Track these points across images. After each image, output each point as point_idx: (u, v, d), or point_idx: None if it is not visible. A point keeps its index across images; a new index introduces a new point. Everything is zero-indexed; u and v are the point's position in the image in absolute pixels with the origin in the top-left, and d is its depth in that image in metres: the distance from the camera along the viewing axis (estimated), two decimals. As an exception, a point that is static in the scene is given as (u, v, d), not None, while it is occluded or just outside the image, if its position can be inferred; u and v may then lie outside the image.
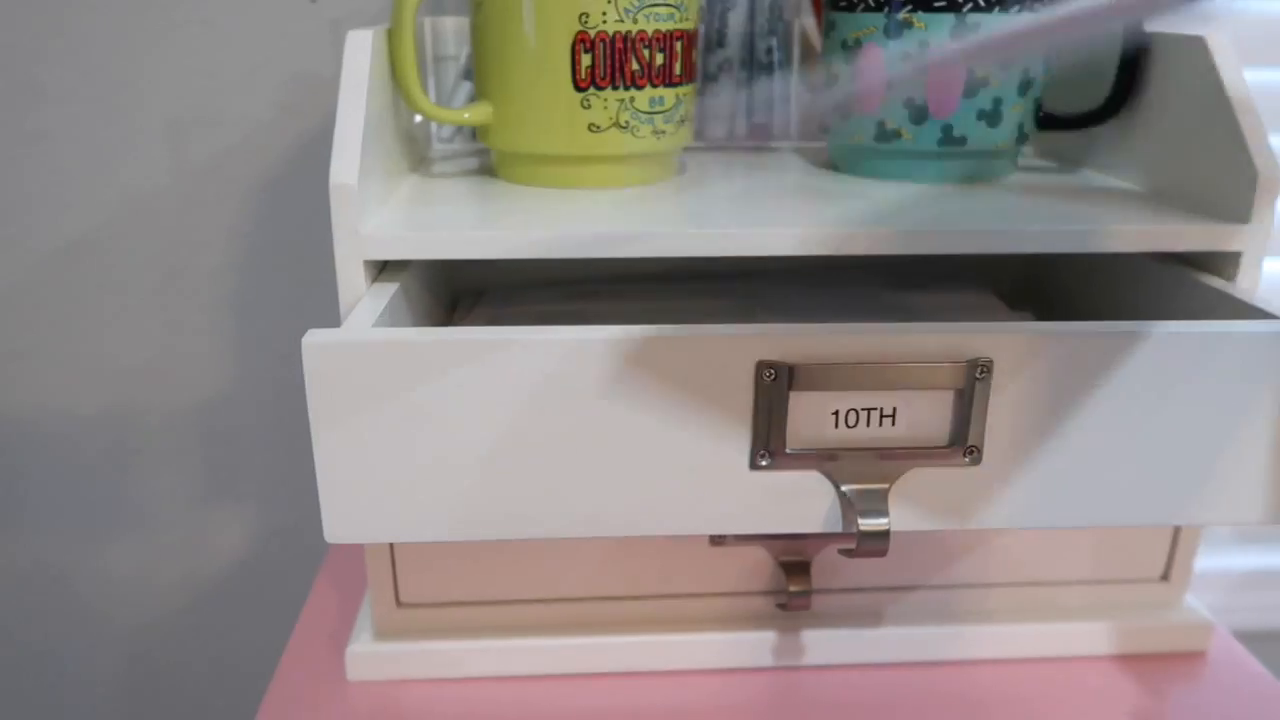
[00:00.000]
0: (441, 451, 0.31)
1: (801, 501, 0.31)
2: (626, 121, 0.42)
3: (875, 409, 0.30)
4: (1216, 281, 0.39)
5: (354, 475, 0.30)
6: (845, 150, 0.48)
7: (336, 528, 0.31)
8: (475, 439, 0.31)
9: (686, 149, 0.52)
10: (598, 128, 0.42)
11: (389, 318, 0.35)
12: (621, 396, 0.30)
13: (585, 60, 0.41)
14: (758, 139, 0.54)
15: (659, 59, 0.42)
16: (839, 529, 0.31)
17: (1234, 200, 0.39)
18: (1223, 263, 0.39)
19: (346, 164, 0.35)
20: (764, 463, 0.30)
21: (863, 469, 0.31)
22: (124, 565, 0.69)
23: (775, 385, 0.29)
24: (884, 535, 0.30)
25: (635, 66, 0.41)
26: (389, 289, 0.37)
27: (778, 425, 0.30)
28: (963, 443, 0.31)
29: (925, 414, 0.31)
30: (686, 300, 0.47)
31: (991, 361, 0.30)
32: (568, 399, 0.30)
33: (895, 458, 0.31)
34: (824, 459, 0.31)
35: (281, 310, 0.64)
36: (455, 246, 0.36)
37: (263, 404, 0.65)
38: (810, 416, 0.30)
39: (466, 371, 0.30)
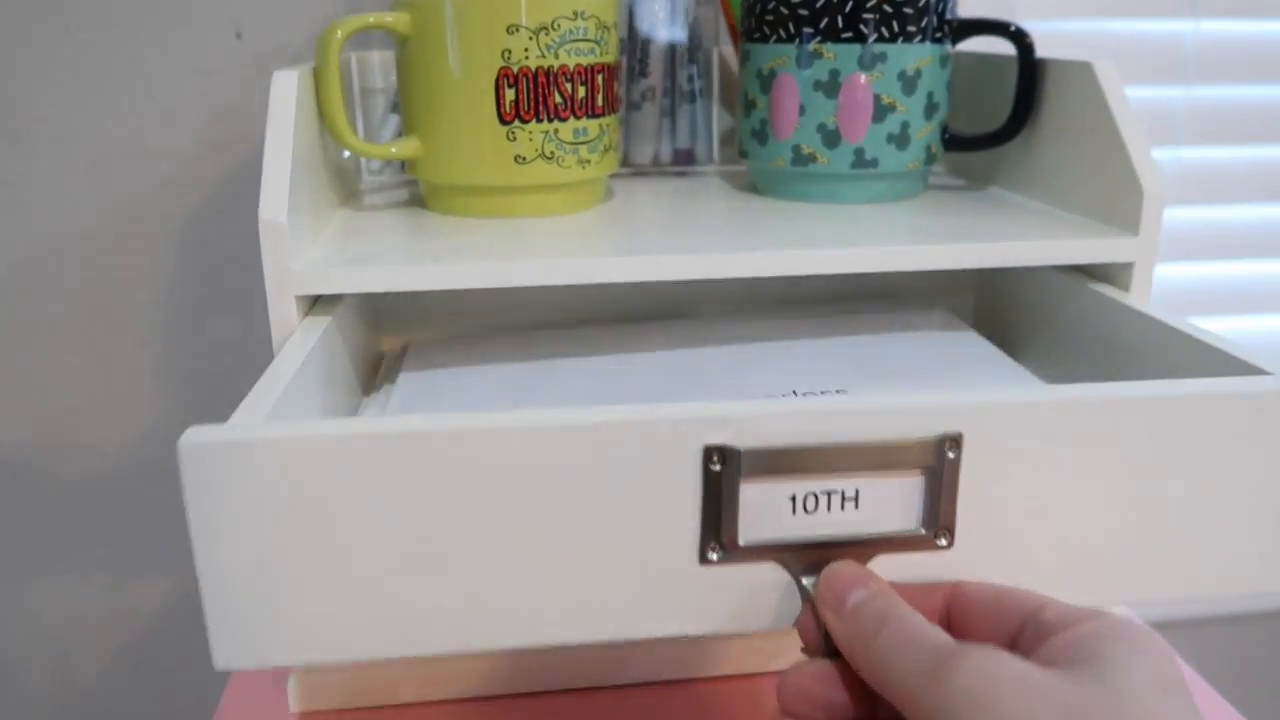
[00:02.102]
0: (348, 561, 0.26)
1: (757, 597, 0.28)
2: (552, 152, 0.43)
3: (836, 492, 0.27)
4: (1112, 291, 0.42)
5: (246, 592, 0.26)
6: (765, 174, 0.50)
7: (226, 652, 0.26)
8: (386, 544, 0.26)
9: (614, 175, 0.53)
10: (524, 159, 0.43)
11: (313, 368, 0.35)
12: (550, 488, 0.26)
13: (509, 95, 0.42)
14: (682, 164, 0.56)
15: (581, 92, 0.43)
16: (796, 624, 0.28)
17: (1124, 214, 0.41)
18: (1117, 272, 0.42)
19: (275, 201, 0.36)
20: (714, 556, 0.26)
21: (825, 558, 0.27)
22: (55, 604, 0.68)
23: (725, 473, 0.26)
24: None
25: (558, 99, 0.43)
26: (321, 323, 0.37)
27: (729, 515, 0.26)
28: (934, 525, 0.28)
29: (892, 495, 0.27)
30: (621, 330, 0.47)
31: (961, 436, 0.27)
32: (488, 494, 0.26)
33: (860, 544, 0.28)
34: (781, 550, 0.27)
35: (215, 346, 0.63)
36: (385, 279, 0.37)
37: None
38: (764, 503, 0.27)
39: (374, 468, 0.25)
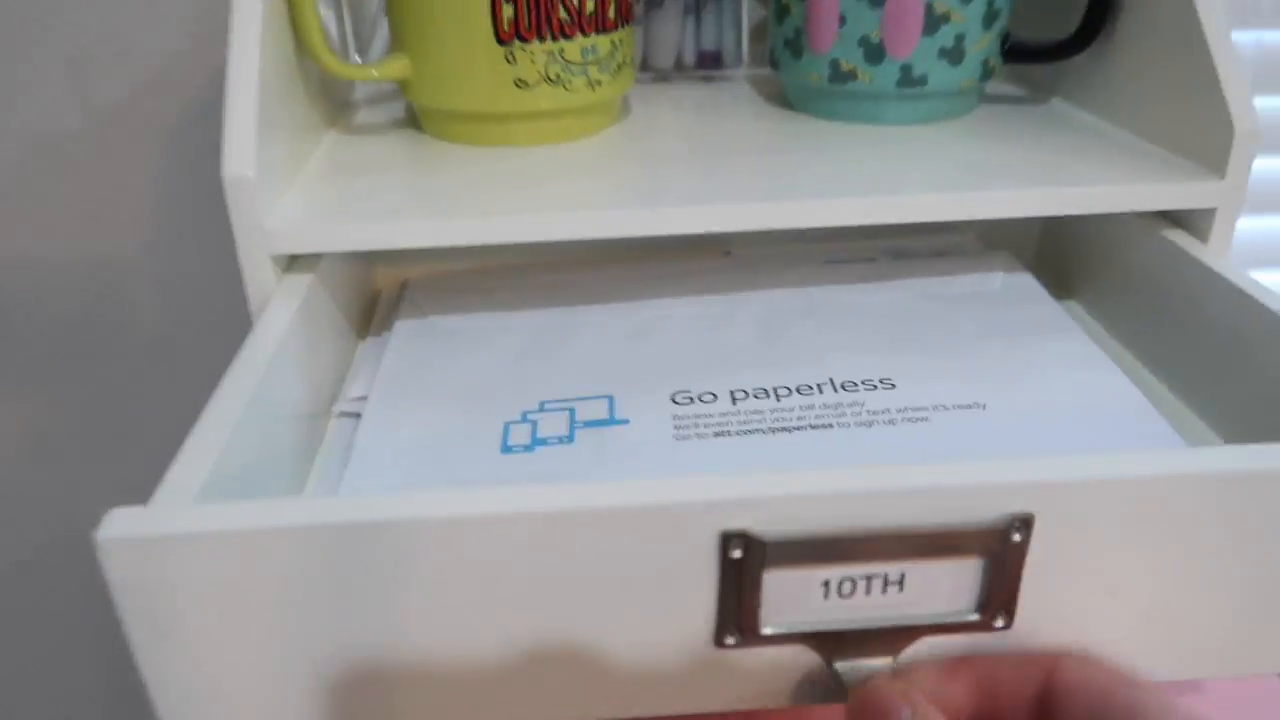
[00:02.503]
0: (307, 650, 0.22)
1: (781, 678, 0.24)
2: (557, 75, 0.38)
3: (878, 576, 0.22)
4: (1186, 240, 0.37)
5: (193, 681, 0.22)
6: (799, 89, 0.45)
7: None
8: (355, 633, 0.22)
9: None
10: (525, 84, 0.38)
11: (294, 346, 0.31)
12: (545, 574, 0.22)
13: (507, 11, 0.37)
14: (707, 68, 0.50)
15: (589, 4, 0.38)
16: (828, 701, 0.24)
17: (1208, 152, 0.36)
18: (1195, 219, 0.37)
19: (240, 151, 0.32)
20: (732, 641, 0.23)
21: (860, 644, 0.23)
22: None
23: (746, 561, 0.21)
24: None
25: (563, 15, 0.37)
26: (302, 285, 0.34)
27: (749, 604, 0.22)
28: (992, 608, 0.23)
29: (943, 577, 0.23)
30: (639, 273, 0.43)
31: (1033, 517, 0.22)
32: (475, 579, 0.22)
33: (903, 630, 0.23)
34: (810, 636, 0.23)
35: (204, 247, 0.60)
36: (371, 237, 0.33)
37: (200, 339, 0.63)
38: (792, 590, 0.22)
39: (339, 558, 0.21)
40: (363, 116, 0.45)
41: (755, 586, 0.22)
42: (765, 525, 0.21)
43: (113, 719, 0.74)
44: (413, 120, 0.44)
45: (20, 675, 0.72)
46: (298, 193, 0.35)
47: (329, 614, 0.22)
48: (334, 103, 0.44)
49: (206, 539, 0.21)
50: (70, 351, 0.62)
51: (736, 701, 0.24)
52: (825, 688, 0.24)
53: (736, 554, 0.21)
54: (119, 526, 0.21)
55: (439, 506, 0.21)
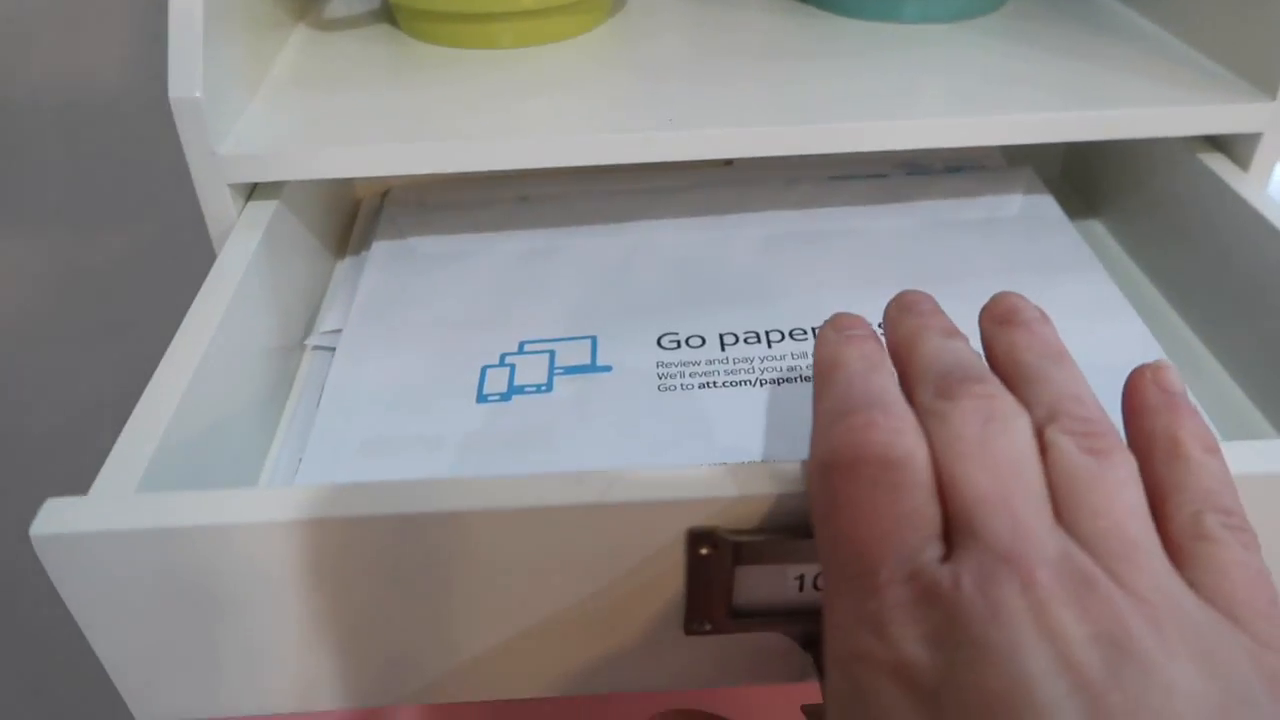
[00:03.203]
0: (266, 633, 0.22)
1: (754, 660, 0.23)
2: (542, -30, 0.35)
3: None
4: (1224, 166, 0.34)
5: (147, 665, 0.22)
6: (813, -20, 0.40)
7: (143, 713, 0.22)
8: (307, 617, 0.21)
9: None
10: (506, -20, 0.35)
11: (256, 280, 0.30)
12: (512, 565, 0.21)
13: (483, -102, 0.33)
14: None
15: (576, -111, 0.34)
16: (803, 680, 0.23)
17: (1260, 66, 0.33)
18: (1238, 143, 0.34)
19: (187, 66, 0.29)
20: (704, 630, 0.22)
21: None
22: None
23: (714, 558, 0.20)
24: None
25: (546, -98, 0.33)
26: (265, 211, 0.32)
27: (719, 597, 0.21)
28: None
29: None
30: (631, 192, 0.40)
31: None
32: (443, 569, 0.21)
33: None
34: (782, 621, 0.22)
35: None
36: (337, 165, 0.31)
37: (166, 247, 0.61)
38: (764, 582, 0.21)
39: (281, 553, 0.20)
40: (335, 8, 0.42)
41: (726, 583, 0.21)
42: (733, 524, 0.20)
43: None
44: (388, 13, 0.40)
45: None
46: (259, 108, 0.33)
47: (291, 603, 0.21)
48: (304, -9, 0.41)
49: (144, 536, 0.20)
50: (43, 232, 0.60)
51: (710, 681, 0.23)
52: (799, 668, 0.23)
53: (705, 551, 0.20)
54: (55, 521, 0.19)
55: (396, 503, 0.20)
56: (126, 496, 0.21)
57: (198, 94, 0.29)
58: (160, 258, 0.61)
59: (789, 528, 0.20)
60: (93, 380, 0.65)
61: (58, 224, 0.60)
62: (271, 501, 0.20)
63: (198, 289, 0.28)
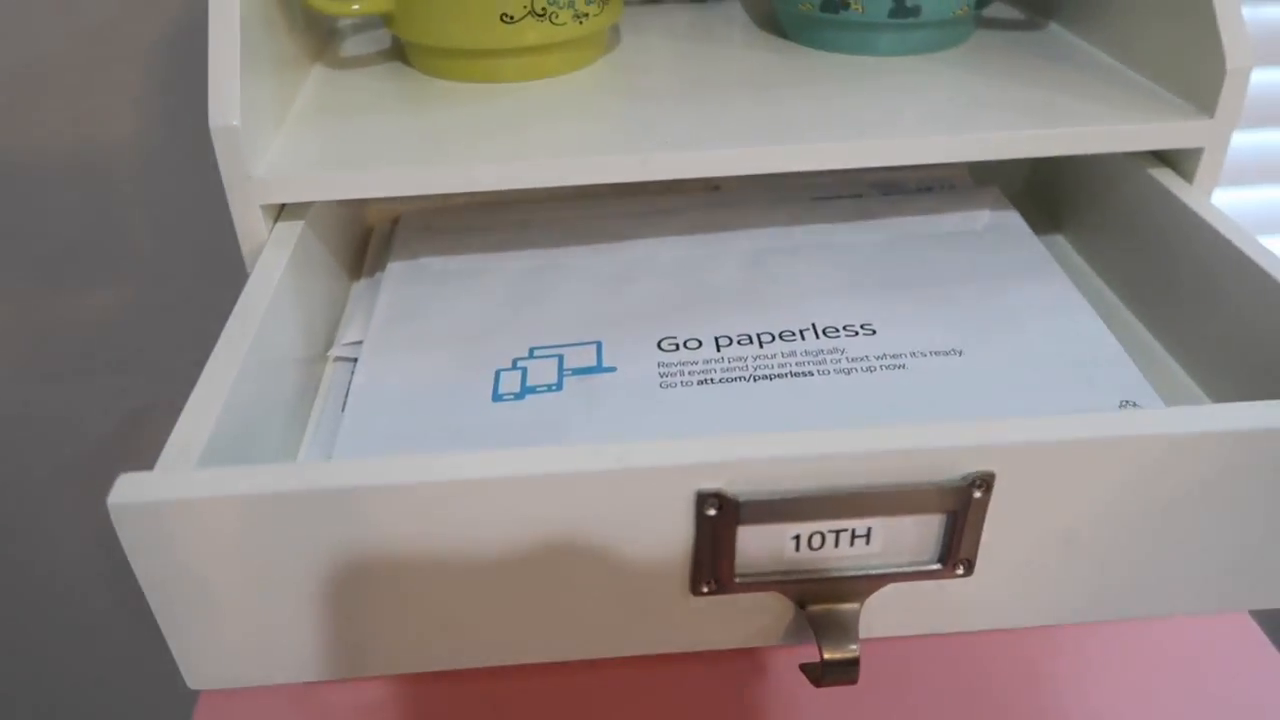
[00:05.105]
0: (310, 599, 0.24)
1: (755, 621, 0.25)
2: (543, 8, 0.38)
3: (845, 530, 0.24)
4: (1170, 179, 0.37)
5: (206, 630, 0.24)
6: (792, 17, 0.44)
7: (195, 677, 0.25)
8: (350, 585, 0.24)
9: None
10: (511, 18, 0.38)
11: (287, 296, 0.32)
12: (527, 534, 0.23)
13: (490, -55, 0.36)
14: (700, -10, 0.49)
15: (575, -64, 0.37)
16: (800, 642, 0.26)
17: (1200, 87, 0.36)
18: (1182, 156, 0.37)
19: (226, 99, 0.32)
20: (707, 589, 0.24)
21: (829, 591, 0.25)
22: None
23: (720, 519, 0.23)
24: (853, 664, 0.24)
25: (548, -52, 0.36)
26: (293, 231, 0.34)
27: (724, 556, 0.24)
28: (953, 558, 0.25)
29: (908, 530, 0.24)
30: (630, 212, 0.43)
31: (993, 476, 0.23)
32: (460, 539, 0.23)
33: (869, 578, 0.25)
34: (782, 583, 0.24)
35: (198, 169, 0.60)
36: (360, 186, 0.33)
37: (192, 279, 0.63)
38: (764, 543, 0.24)
39: (330, 520, 0.23)
40: (349, 47, 0.45)
41: (730, 541, 0.23)
42: (738, 486, 0.23)
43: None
44: (399, 52, 0.43)
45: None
46: (286, 137, 0.35)
47: (329, 568, 0.23)
48: (319, 33, 0.44)
49: (210, 503, 0.22)
50: (63, 276, 0.63)
51: (713, 643, 0.26)
52: (798, 629, 0.26)
53: (711, 512, 0.23)
54: (128, 492, 0.22)
55: (426, 472, 0.22)
56: (189, 472, 0.23)
57: (235, 122, 0.31)
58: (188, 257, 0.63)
59: (788, 490, 0.23)
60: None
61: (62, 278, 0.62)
62: (324, 473, 0.22)
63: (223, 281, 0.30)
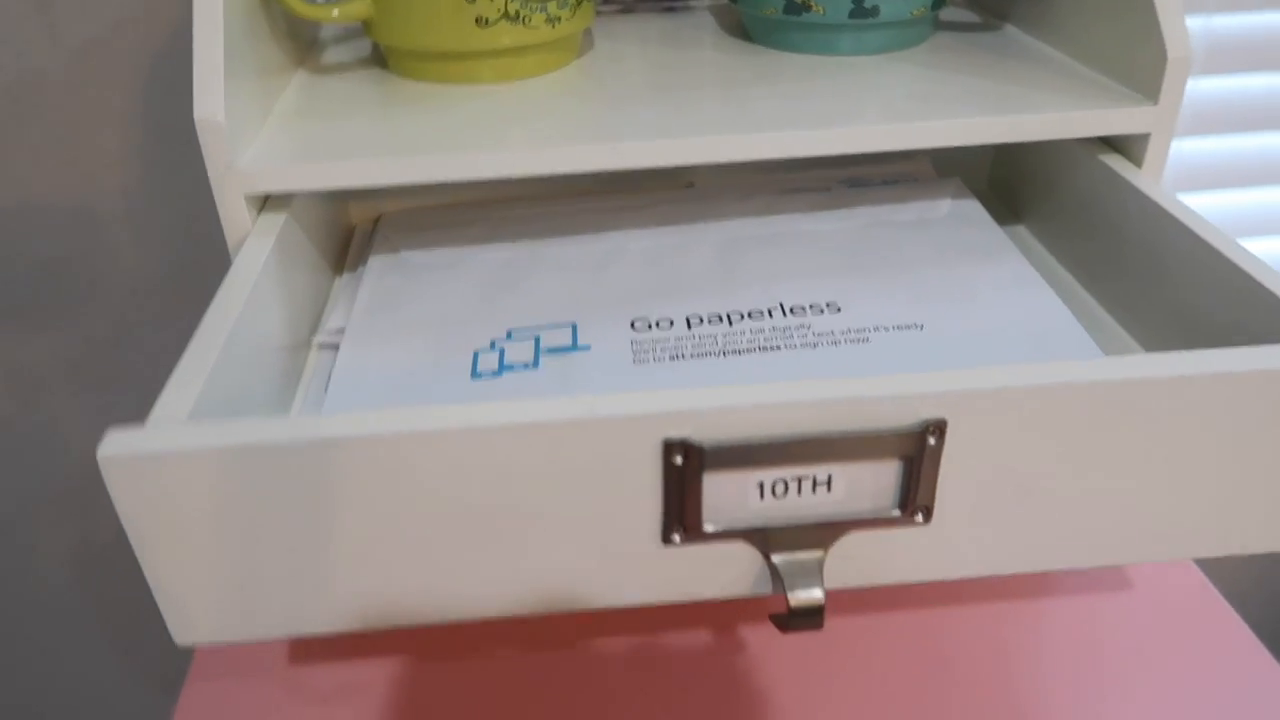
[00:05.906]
0: (296, 554, 0.25)
1: (724, 571, 0.26)
2: (516, 12, 0.39)
3: (807, 477, 0.25)
4: (1121, 164, 0.39)
5: (194, 583, 0.25)
6: (756, 21, 0.46)
7: (182, 632, 0.26)
8: (340, 538, 0.25)
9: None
10: (485, 21, 0.39)
11: (269, 284, 0.33)
12: (504, 484, 0.24)
13: (465, -51, 0.37)
14: (670, -1, 0.51)
15: (547, -59, 0.38)
16: (769, 592, 0.27)
17: (1144, 78, 0.38)
18: (1130, 143, 0.39)
19: (210, 93, 0.33)
20: (677, 539, 0.25)
21: (794, 538, 0.26)
22: None
23: (687, 467, 0.24)
24: (818, 611, 0.25)
25: (521, -48, 0.38)
26: (276, 222, 0.35)
27: (692, 504, 0.25)
28: (912, 505, 0.26)
29: (867, 478, 0.25)
30: (604, 206, 0.45)
31: (945, 423, 0.25)
32: (440, 490, 0.24)
33: (832, 525, 0.26)
34: (749, 532, 0.26)
35: (187, 183, 0.61)
36: (340, 175, 0.34)
37: (177, 290, 0.64)
38: (730, 490, 0.25)
39: (316, 472, 0.24)
40: (330, 55, 0.46)
41: (697, 489, 0.24)
42: (703, 434, 0.24)
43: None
44: (379, 58, 0.45)
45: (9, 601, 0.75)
46: (269, 133, 0.37)
47: (315, 520, 0.24)
48: (301, 41, 0.45)
49: (199, 455, 0.23)
50: (50, 293, 0.63)
51: (684, 594, 0.26)
52: (764, 579, 0.27)
53: (678, 460, 0.24)
54: (118, 445, 0.23)
55: (407, 423, 0.23)
56: (179, 425, 0.24)
57: (219, 116, 0.33)
58: (178, 267, 0.64)
59: (751, 436, 0.24)
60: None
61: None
62: (309, 425, 0.23)
63: (211, 293, 0.31)
